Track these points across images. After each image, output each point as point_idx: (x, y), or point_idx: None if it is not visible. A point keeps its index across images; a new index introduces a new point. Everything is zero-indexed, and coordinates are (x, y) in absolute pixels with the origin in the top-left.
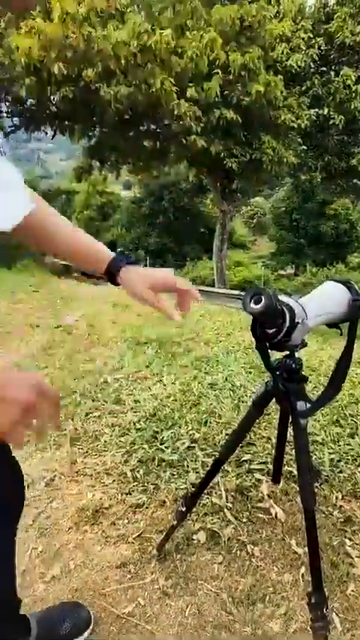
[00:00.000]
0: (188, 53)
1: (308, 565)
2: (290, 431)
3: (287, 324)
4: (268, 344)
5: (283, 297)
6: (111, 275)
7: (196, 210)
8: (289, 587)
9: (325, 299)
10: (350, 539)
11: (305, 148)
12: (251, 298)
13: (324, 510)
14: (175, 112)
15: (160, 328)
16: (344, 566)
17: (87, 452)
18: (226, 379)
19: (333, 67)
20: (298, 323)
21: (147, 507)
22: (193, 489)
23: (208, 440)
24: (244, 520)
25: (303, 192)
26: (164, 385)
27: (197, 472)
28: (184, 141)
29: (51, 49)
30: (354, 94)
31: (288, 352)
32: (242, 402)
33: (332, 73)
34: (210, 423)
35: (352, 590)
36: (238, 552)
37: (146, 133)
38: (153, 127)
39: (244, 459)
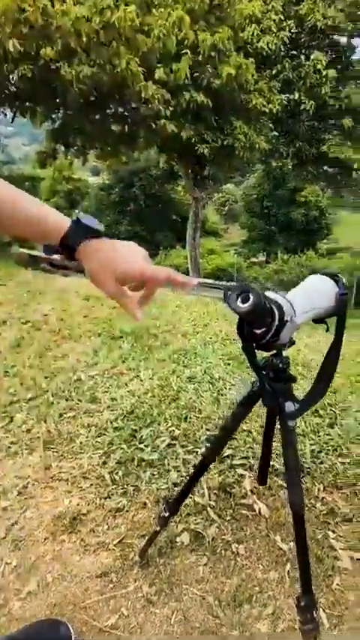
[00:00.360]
0: (155, 32)
1: (294, 561)
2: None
3: (276, 322)
4: (254, 344)
5: (270, 294)
6: (69, 249)
7: (168, 197)
8: (275, 585)
9: (312, 293)
10: (334, 532)
11: (276, 133)
12: (238, 296)
13: (307, 503)
14: (143, 95)
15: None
16: (329, 560)
17: (62, 455)
18: (205, 372)
19: (303, 51)
20: (287, 321)
21: (127, 511)
22: (175, 492)
23: (189, 436)
24: (228, 518)
25: (274, 179)
26: (141, 381)
27: (179, 471)
28: (154, 125)
29: (5, 23)
30: (324, 79)
31: (275, 351)
32: (222, 395)
33: (302, 57)
34: (190, 418)
35: (338, 584)
36: (223, 552)
37: (113, 117)
38: (120, 109)
39: (225, 454)
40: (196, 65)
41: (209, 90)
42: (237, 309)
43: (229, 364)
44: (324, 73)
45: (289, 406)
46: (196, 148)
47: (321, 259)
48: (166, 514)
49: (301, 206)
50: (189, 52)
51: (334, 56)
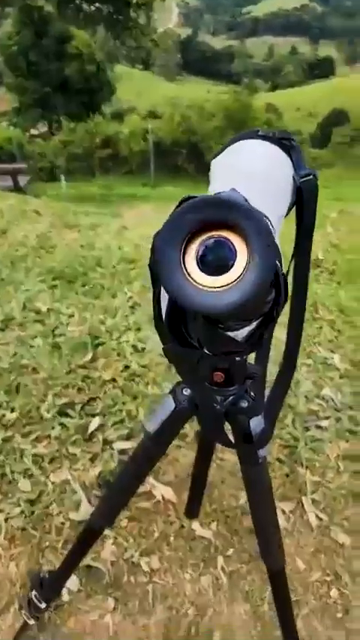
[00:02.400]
0: None
1: (223, 549)
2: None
3: (283, 295)
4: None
5: (228, 195)
6: None
7: None
8: (212, 594)
9: (273, 187)
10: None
11: None
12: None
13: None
14: None
15: None
16: None
17: None
18: (25, 306)
19: None
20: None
21: None
22: (44, 575)
23: (31, 414)
24: (125, 524)
25: (34, 24)
26: None
27: (30, 476)
28: None
29: None
30: None
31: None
32: (59, 335)
33: None
34: (25, 385)
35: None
36: (132, 579)
37: None
38: None
39: (93, 428)
40: None
41: None
42: (219, 310)
43: (55, 286)
44: None
45: (257, 424)
46: None
47: (111, 124)
48: (42, 605)
49: (74, 59)
50: None
51: None
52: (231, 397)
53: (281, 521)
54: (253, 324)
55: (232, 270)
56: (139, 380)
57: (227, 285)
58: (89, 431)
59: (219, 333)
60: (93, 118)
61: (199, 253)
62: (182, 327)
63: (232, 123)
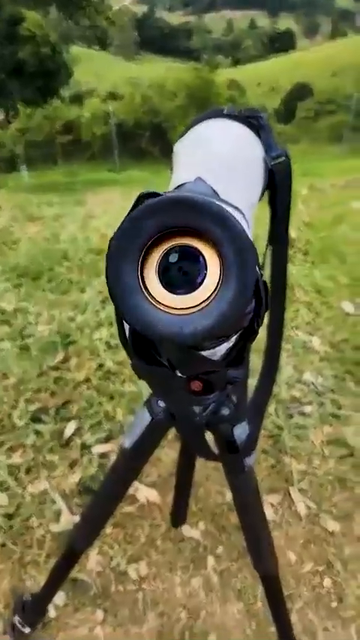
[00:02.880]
0: None
1: (211, 547)
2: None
3: (263, 306)
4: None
5: (188, 195)
6: None
7: None
8: (203, 596)
9: (243, 172)
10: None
11: None
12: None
13: None
14: None
15: None
16: None
17: None
18: None
19: None
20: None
21: None
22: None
23: (3, 423)
24: (109, 531)
25: None
26: None
27: (6, 489)
28: None
29: None
30: None
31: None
32: (28, 336)
33: None
34: None
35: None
36: (120, 588)
37: None
38: None
39: (69, 433)
40: None
41: None
42: (187, 338)
43: (20, 285)
44: None
45: (241, 431)
46: None
47: (72, 108)
48: (26, 629)
49: (27, 42)
50: None
51: None
52: (211, 405)
53: (269, 514)
54: (232, 340)
55: (202, 286)
56: (115, 378)
57: (197, 306)
58: (66, 436)
59: (192, 354)
60: (51, 103)
61: (161, 266)
62: (150, 344)
63: (195, 101)
